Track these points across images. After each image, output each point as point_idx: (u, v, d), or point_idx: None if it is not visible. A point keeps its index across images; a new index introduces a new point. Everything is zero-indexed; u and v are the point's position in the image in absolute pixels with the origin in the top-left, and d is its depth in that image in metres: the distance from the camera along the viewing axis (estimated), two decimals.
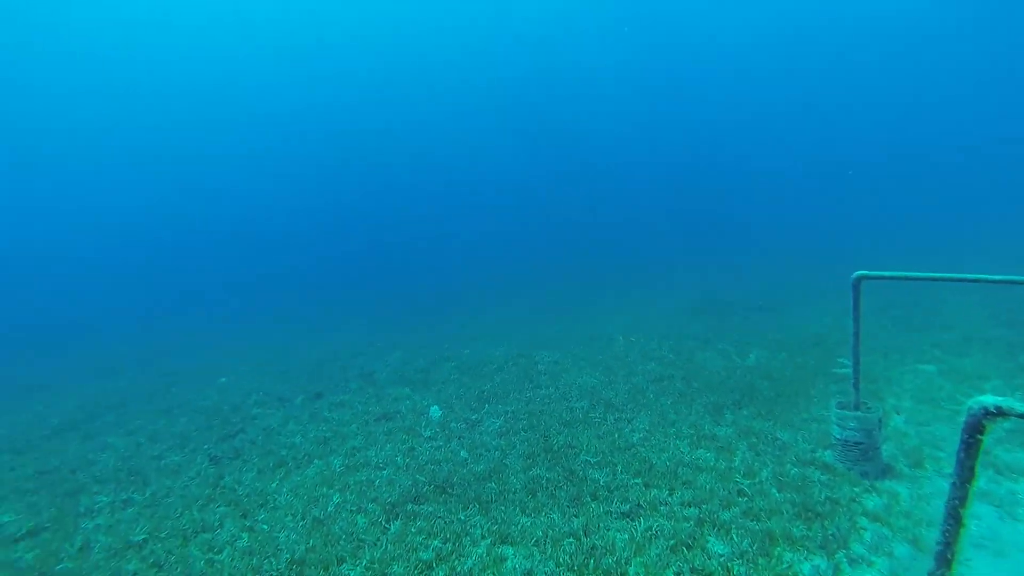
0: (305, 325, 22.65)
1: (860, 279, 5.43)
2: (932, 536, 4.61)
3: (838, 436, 5.71)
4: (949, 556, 3.02)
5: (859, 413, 5.58)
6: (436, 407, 10.03)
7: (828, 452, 6.14)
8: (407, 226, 58.53)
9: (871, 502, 5.14)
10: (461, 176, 65.54)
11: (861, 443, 5.55)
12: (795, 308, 14.91)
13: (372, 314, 23.64)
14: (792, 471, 5.73)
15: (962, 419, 6.63)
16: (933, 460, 5.96)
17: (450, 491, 6.26)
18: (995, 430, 6.51)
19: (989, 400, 2.66)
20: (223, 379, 13.71)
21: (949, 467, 5.77)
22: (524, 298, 23.33)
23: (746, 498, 5.33)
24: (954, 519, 2.87)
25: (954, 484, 2.86)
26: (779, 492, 5.34)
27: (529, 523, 5.33)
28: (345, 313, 25.09)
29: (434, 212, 61.42)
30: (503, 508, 5.68)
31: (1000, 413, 2.65)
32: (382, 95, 62.16)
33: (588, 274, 28.91)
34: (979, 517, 4.86)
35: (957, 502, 2.83)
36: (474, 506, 5.82)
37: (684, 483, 5.76)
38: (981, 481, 5.38)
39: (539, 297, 23.18)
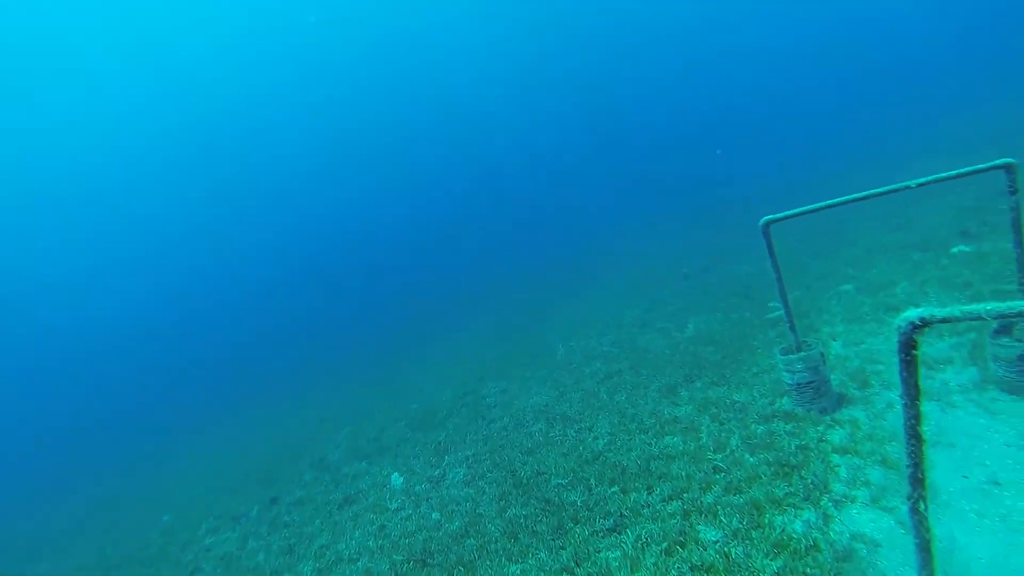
0: (260, 412, 21.28)
1: (768, 224, 5.49)
2: (897, 451, 4.64)
3: (789, 381, 5.72)
4: (920, 475, 2.97)
5: (802, 353, 5.61)
6: (396, 474, 9.51)
7: (785, 399, 6.15)
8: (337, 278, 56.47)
9: (836, 436, 5.14)
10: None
11: (812, 381, 5.57)
12: (717, 267, 15.32)
13: (322, 382, 22.52)
14: (758, 430, 5.68)
15: (887, 329, 6.78)
16: (875, 375, 6.09)
17: (430, 561, 5.82)
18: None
19: (913, 314, 2.61)
20: (167, 517, 12.53)
21: (891, 376, 5.91)
22: (465, 321, 22.90)
23: (723, 473, 5.20)
24: (915, 438, 2.80)
25: (905, 404, 2.80)
26: (752, 456, 5.25)
27: (518, 571, 4.99)
28: (293, 390, 23.80)
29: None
30: (488, 563, 5.31)
31: (925, 324, 2.61)
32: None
33: (519, 287, 28.81)
34: (924, 416, 4.96)
35: (913, 421, 2.77)
36: (459, 570, 5.42)
37: (660, 477, 5.59)
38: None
39: (479, 317, 22.80)
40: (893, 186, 5.08)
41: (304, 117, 60.97)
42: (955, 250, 8.91)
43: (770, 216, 5.60)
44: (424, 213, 63.19)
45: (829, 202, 5.34)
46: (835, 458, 4.80)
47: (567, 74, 62.75)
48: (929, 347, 6.29)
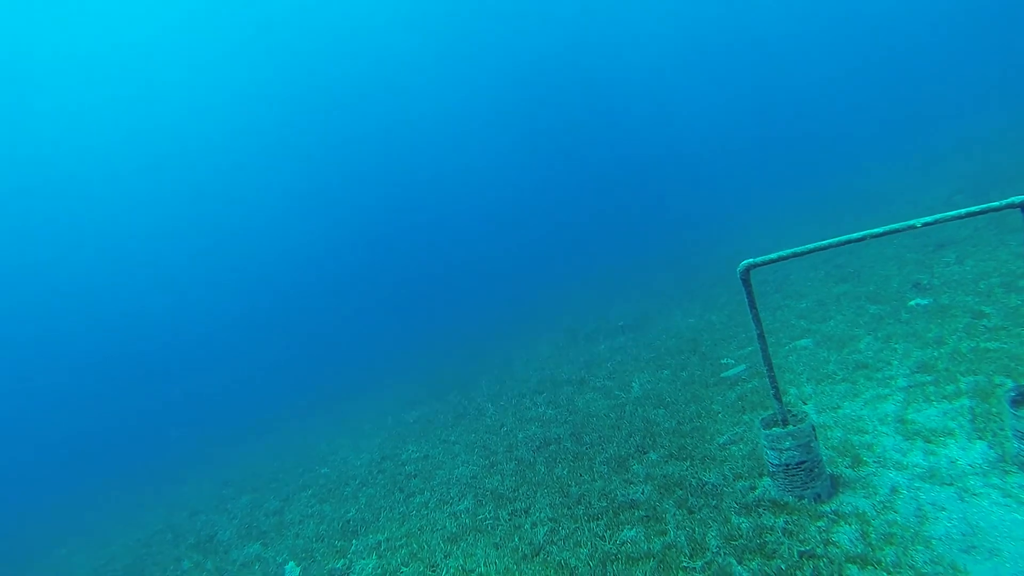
0: (152, 478, 18.40)
1: (748, 268, 4.50)
2: (931, 563, 3.59)
3: (775, 462, 4.64)
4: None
5: (791, 428, 4.56)
6: (293, 563, 7.78)
7: (766, 480, 5.08)
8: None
9: (844, 536, 4.06)
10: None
11: (803, 461, 4.51)
12: (657, 318, 14.54)
13: (227, 438, 19.90)
14: (742, 525, 4.53)
15: (863, 390, 5.70)
16: (866, 450, 5.12)
17: None
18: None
19: None
20: None
21: (883, 451, 4.97)
22: (386, 377, 21.04)
23: None
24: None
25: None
26: (741, 565, 4.07)
27: None
28: (196, 448, 20.96)
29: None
30: None
31: None
32: None
33: (442, 342, 27.25)
34: (939, 506, 4.02)
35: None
36: None
37: None
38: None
39: (403, 374, 21.02)
40: (895, 225, 4.23)
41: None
42: (912, 303, 8.36)
43: (750, 260, 4.64)
44: (344, 256, 60.80)
45: (819, 243, 4.44)
46: (852, 570, 3.69)
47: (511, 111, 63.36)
48: (917, 413, 5.44)
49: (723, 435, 6.46)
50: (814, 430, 4.59)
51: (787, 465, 4.56)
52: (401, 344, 30.24)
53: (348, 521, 8.12)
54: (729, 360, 9.18)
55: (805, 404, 6.56)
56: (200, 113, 57.40)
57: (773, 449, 4.62)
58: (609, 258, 32.13)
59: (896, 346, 7.19)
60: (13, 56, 44.57)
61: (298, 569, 7.60)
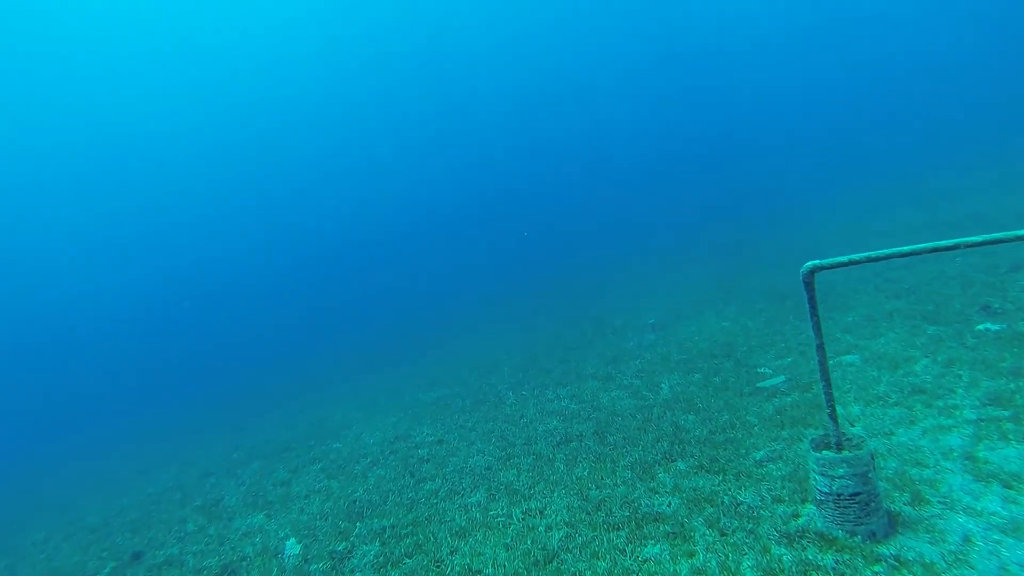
0: (170, 438, 18.60)
1: (813, 271, 3.98)
2: None
3: (824, 489, 4.15)
4: None
5: (847, 454, 4.06)
6: (293, 540, 7.55)
7: (810, 507, 4.58)
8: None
9: None
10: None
11: (858, 493, 4.01)
12: (689, 320, 13.95)
13: (246, 407, 20.00)
14: (784, 557, 4.05)
15: (921, 417, 5.05)
16: (928, 486, 4.58)
17: None
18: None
19: None
20: None
21: (948, 490, 4.42)
22: (409, 355, 20.85)
23: None
24: None
25: None
26: None
27: None
28: (210, 414, 21.14)
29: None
30: None
31: None
32: None
33: (465, 321, 26.95)
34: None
35: None
36: None
37: None
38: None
39: (426, 351, 20.79)
40: (999, 235, 3.65)
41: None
42: (981, 327, 7.67)
43: (814, 262, 4.11)
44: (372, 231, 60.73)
45: (885, 251, 3.89)
46: None
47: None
48: (991, 452, 4.85)
49: (759, 450, 5.95)
50: (872, 459, 4.08)
51: (839, 495, 4.06)
52: (424, 321, 30.09)
53: (355, 501, 7.84)
54: (766, 369, 8.62)
55: (853, 426, 6.01)
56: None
57: (823, 475, 4.12)
58: (645, 251, 31.26)
59: (960, 372, 6.56)
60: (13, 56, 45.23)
61: (299, 547, 7.35)
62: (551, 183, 60.13)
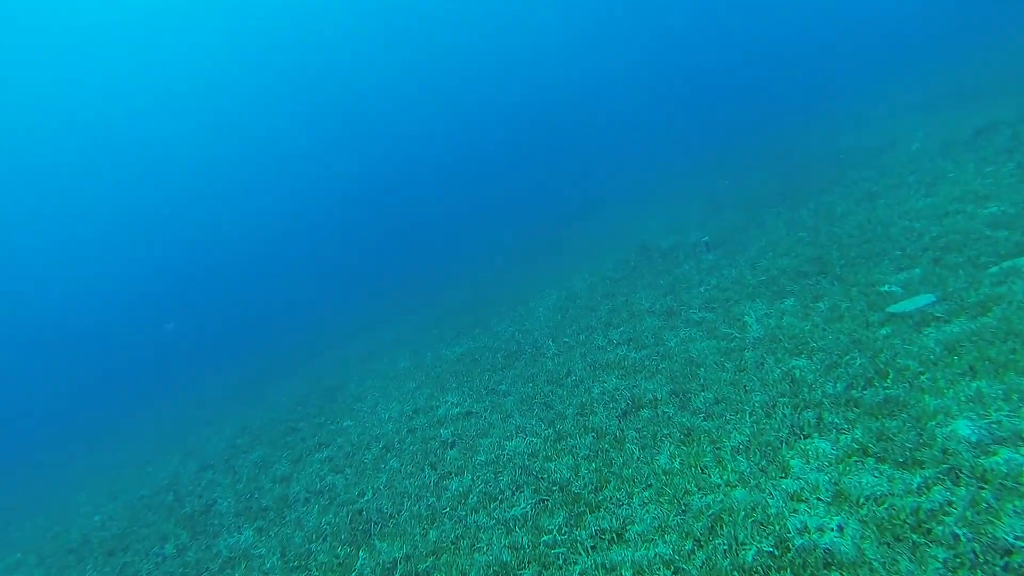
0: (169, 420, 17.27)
1: None
2: None
3: None
4: None
5: None
6: None
7: None
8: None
9: None
10: None
11: None
12: (750, 233, 11.61)
13: (250, 393, 18.50)
14: None
15: None
16: None
17: None
18: None
19: None
20: None
21: None
22: (430, 298, 18.95)
23: None
24: None
25: None
26: None
27: None
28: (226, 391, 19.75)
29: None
30: None
31: None
32: None
33: (490, 247, 24.74)
34: None
35: None
36: None
37: None
38: None
39: (445, 295, 18.85)
40: None
41: None
42: None
43: None
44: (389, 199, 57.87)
45: None
46: None
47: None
48: None
49: (955, 418, 3.80)
50: None
51: None
52: (447, 256, 28.06)
53: (360, 512, 5.98)
54: (893, 288, 6.37)
55: None
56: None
57: None
58: (683, 158, 28.11)
59: None
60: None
61: None
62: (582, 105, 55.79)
